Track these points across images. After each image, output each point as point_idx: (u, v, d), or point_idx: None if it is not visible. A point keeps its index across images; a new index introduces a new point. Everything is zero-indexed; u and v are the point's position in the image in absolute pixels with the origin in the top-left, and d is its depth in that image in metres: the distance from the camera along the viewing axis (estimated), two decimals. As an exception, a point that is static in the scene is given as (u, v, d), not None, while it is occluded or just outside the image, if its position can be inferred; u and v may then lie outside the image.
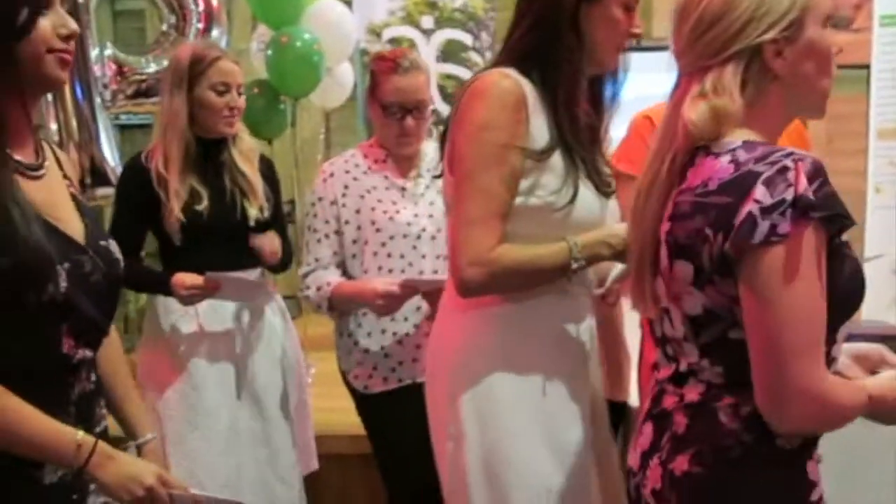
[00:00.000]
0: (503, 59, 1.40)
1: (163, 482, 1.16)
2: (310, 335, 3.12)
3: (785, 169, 0.98)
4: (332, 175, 2.03)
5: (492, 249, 1.32)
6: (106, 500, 1.19)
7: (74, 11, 2.69)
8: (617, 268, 1.47)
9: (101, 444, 1.14)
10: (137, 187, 2.04)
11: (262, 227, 2.12)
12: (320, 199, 2.02)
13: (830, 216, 0.98)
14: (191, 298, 2.01)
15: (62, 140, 2.74)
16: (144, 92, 3.00)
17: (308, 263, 2.03)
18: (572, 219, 1.37)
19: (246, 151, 2.14)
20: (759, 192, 0.98)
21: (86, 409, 1.19)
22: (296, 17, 3.05)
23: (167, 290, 2.02)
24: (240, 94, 2.10)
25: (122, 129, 3.46)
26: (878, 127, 3.00)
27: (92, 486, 1.16)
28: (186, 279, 2.00)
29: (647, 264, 1.13)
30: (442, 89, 3.93)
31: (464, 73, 4.10)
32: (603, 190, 1.44)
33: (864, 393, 1.07)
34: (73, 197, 1.24)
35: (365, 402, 2.07)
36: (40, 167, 1.18)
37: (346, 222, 2.01)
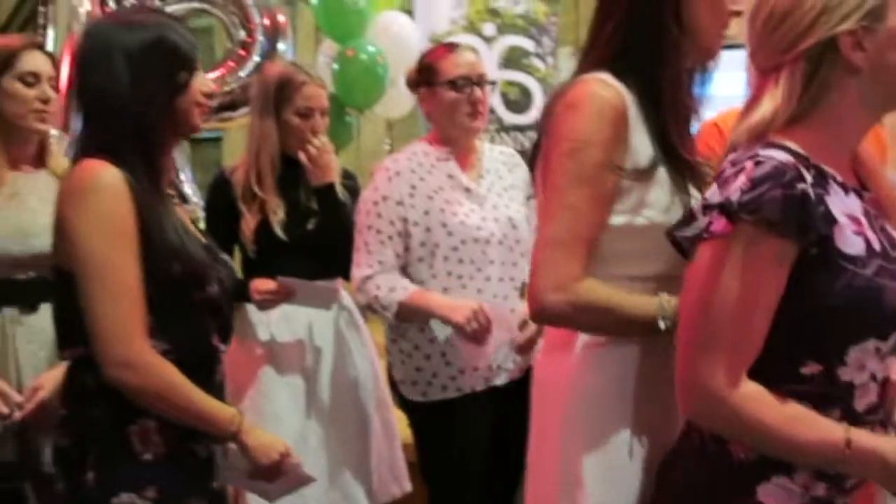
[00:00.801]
0: (593, 63, 1.24)
1: (287, 453, 1.42)
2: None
3: (742, 170, 0.96)
4: (397, 174, 1.98)
5: (577, 278, 1.17)
6: (226, 473, 1.43)
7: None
8: None
9: (245, 417, 1.40)
10: (224, 202, 2.12)
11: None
12: (384, 197, 1.96)
13: (778, 222, 0.94)
14: (265, 304, 2.06)
15: None
16: (218, 108, 3.06)
17: (369, 265, 1.96)
18: None
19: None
20: (712, 190, 1.00)
21: (220, 394, 1.42)
22: (361, 30, 3.10)
23: (246, 296, 2.06)
24: (323, 116, 2.15)
25: (192, 143, 3.57)
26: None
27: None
28: (261, 284, 2.05)
29: None
30: (504, 96, 3.93)
31: (526, 80, 4.10)
32: None
33: (833, 433, 0.97)
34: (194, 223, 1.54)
35: (420, 412, 2.06)
36: (173, 196, 1.49)
37: (415, 224, 1.95)
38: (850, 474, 1.02)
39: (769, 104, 1.01)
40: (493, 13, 4.01)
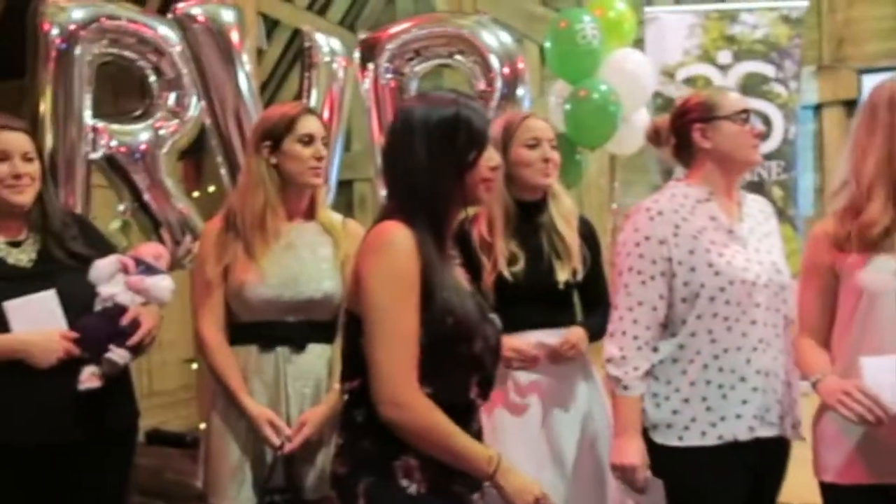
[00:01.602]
0: None
1: (543, 496, 1.45)
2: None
3: None
4: (659, 213, 1.90)
5: None
6: None
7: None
8: None
9: (503, 459, 1.44)
10: (465, 254, 2.16)
11: (572, 289, 2.14)
12: (647, 238, 1.89)
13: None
14: (509, 361, 2.06)
15: None
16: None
17: (629, 308, 1.89)
18: None
19: (566, 213, 2.17)
20: None
21: (479, 440, 1.50)
22: (593, 69, 3.08)
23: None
24: (552, 147, 2.14)
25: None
26: None
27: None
28: (510, 342, 1.99)
29: None
30: (741, 126, 3.70)
31: (765, 107, 3.86)
32: None
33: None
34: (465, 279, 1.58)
35: (673, 457, 1.95)
36: (455, 257, 1.56)
37: (679, 263, 1.87)
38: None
39: None
40: (730, 40, 3.82)
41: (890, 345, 1.70)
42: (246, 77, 2.72)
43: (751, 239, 1.92)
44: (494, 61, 2.81)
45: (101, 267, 1.98)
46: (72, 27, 2.55)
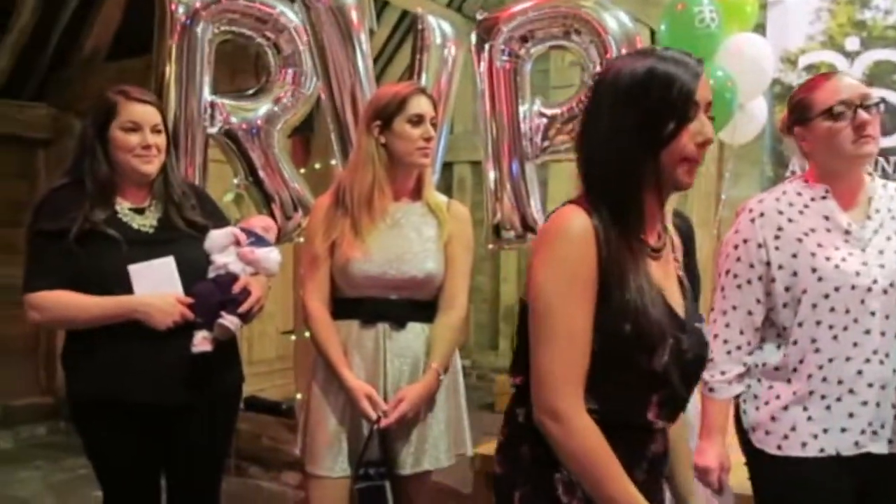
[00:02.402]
0: None
1: None
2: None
3: None
4: (761, 215, 1.83)
5: None
6: None
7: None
8: None
9: None
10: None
11: None
12: (745, 240, 1.82)
13: None
14: None
15: (497, 193, 2.97)
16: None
17: (724, 311, 1.85)
18: None
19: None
20: None
21: (657, 465, 1.32)
22: (711, 52, 2.96)
23: None
24: None
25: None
26: None
27: None
28: None
29: None
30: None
31: (893, 97, 3.62)
32: None
33: None
34: (679, 278, 1.35)
35: (772, 464, 1.87)
36: (661, 249, 1.31)
37: (780, 267, 1.79)
38: None
39: None
40: (859, 25, 3.61)
41: None
42: (363, 57, 2.76)
43: (876, 238, 1.79)
44: (612, 43, 2.74)
45: (217, 237, 2.06)
46: (197, 4, 2.65)
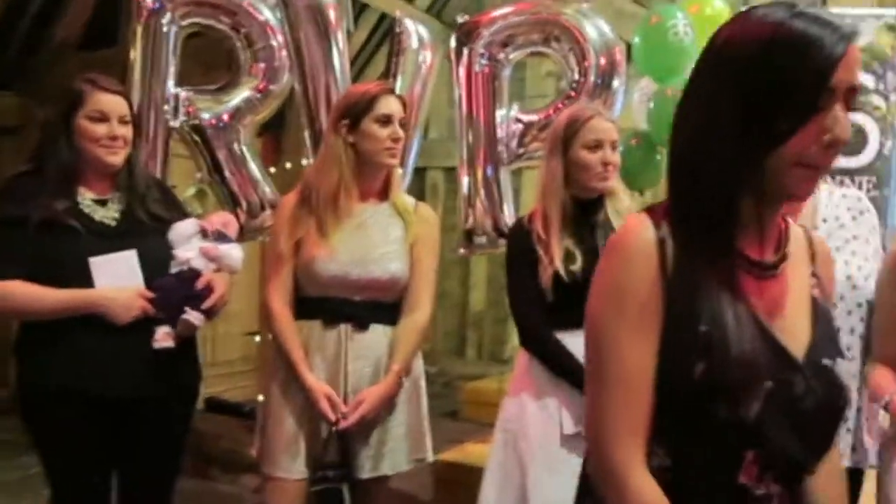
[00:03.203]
0: None
1: None
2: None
3: None
4: None
5: None
6: None
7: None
8: None
9: None
10: (523, 249, 2.07)
11: None
12: None
13: None
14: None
15: (471, 199, 2.96)
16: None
17: None
18: None
19: (623, 211, 2.10)
20: None
21: None
22: (684, 66, 2.99)
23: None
24: (614, 150, 2.07)
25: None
26: None
27: None
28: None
29: None
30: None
31: (861, 120, 3.68)
32: None
33: None
34: (814, 302, 1.05)
35: None
36: (775, 266, 1.01)
37: None
38: None
39: None
40: (829, 47, 3.67)
41: None
42: (340, 56, 2.75)
43: None
44: (591, 51, 2.75)
45: (181, 229, 2.03)
46: (163, -5, 2.63)
